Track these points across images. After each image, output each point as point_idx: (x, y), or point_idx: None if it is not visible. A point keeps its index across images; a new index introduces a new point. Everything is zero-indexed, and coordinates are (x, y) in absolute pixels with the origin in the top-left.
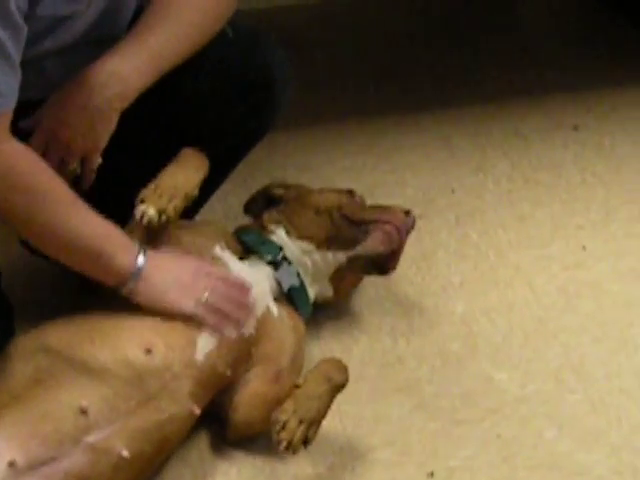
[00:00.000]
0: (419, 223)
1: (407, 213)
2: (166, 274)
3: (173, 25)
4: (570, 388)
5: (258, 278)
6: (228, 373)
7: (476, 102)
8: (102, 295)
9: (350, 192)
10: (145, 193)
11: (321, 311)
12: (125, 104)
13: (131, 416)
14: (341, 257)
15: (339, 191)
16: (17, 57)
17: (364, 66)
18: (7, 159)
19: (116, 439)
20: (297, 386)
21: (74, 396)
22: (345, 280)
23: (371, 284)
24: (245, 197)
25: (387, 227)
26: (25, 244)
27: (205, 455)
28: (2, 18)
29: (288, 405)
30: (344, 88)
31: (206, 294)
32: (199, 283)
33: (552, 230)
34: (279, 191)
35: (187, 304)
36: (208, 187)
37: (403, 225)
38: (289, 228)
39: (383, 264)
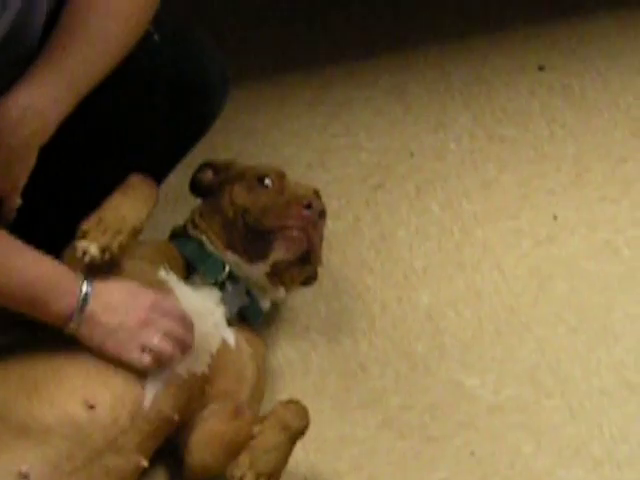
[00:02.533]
0: (376, 196)
1: (308, 206)
2: (112, 317)
3: (90, 40)
4: (547, 392)
5: (208, 307)
6: (176, 418)
7: (431, 43)
8: (39, 334)
9: (263, 177)
10: (87, 227)
11: (275, 312)
12: (44, 139)
13: (76, 476)
14: (263, 267)
15: (250, 180)
16: None
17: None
18: None
19: None
20: (253, 436)
21: (12, 460)
22: (287, 274)
23: (328, 275)
24: (185, 174)
25: (288, 233)
26: None
27: None
28: None
29: (243, 459)
30: (284, 38)
31: (155, 340)
32: (149, 328)
33: (520, 197)
34: (207, 177)
35: (129, 353)
36: None
37: (307, 222)
38: (213, 238)
39: (303, 264)
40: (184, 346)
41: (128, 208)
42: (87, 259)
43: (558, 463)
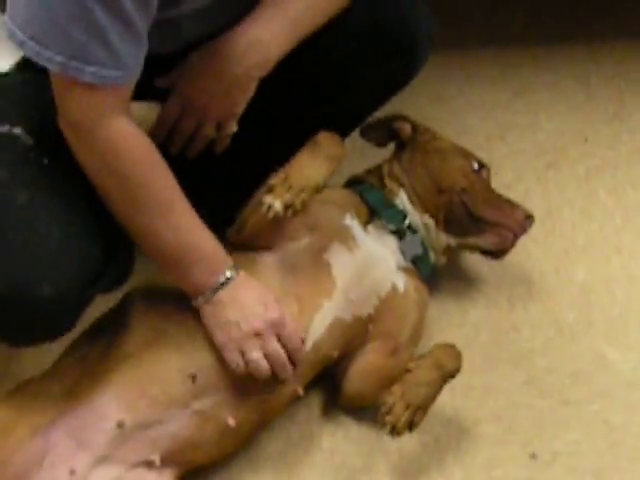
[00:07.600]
0: (548, 174)
1: (528, 217)
2: (234, 312)
3: None
4: None
5: (384, 253)
6: (335, 355)
7: (618, 39)
8: None
9: (479, 165)
10: (274, 182)
11: (441, 268)
12: (264, 73)
13: (238, 388)
14: (453, 241)
15: (467, 161)
16: (143, 26)
17: None
18: (113, 137)
19: (223, 407)
20: (408, 370)
21: (184, 362)
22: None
23: None
24: None
25: (503, 232)
26: None
27: (314, 415)
28: None
29: (396, 389)
30: (482, 15)
31: (255, 355)
32: (256, 341)
33: None
34: (406, 130)
35: (230, 352)
36: None
37: (521, 230)
38: (412, 197)
39: (493, 256)
40: (280, 375)
41: (313, 166)
42: (271, 214)
43: None
